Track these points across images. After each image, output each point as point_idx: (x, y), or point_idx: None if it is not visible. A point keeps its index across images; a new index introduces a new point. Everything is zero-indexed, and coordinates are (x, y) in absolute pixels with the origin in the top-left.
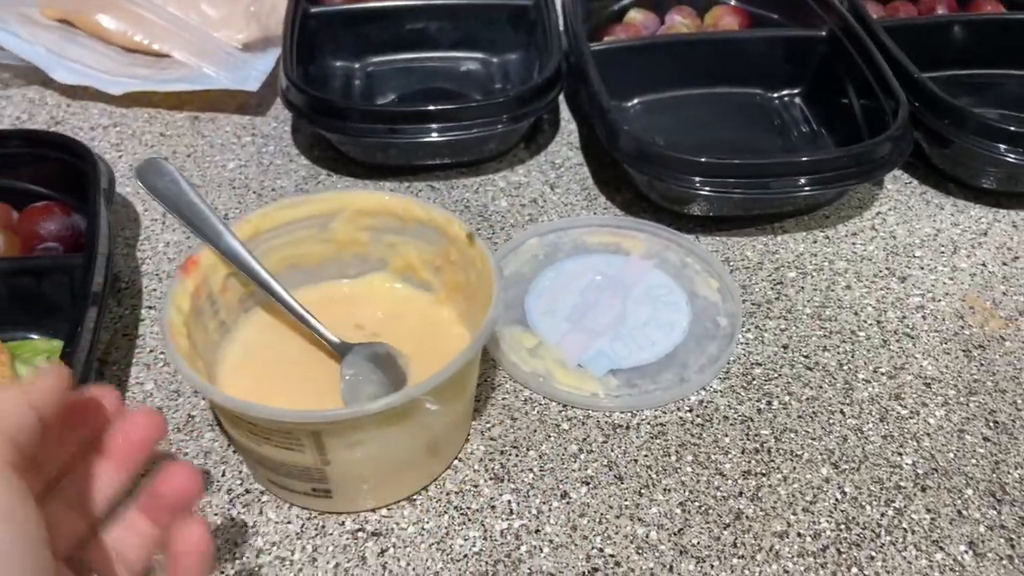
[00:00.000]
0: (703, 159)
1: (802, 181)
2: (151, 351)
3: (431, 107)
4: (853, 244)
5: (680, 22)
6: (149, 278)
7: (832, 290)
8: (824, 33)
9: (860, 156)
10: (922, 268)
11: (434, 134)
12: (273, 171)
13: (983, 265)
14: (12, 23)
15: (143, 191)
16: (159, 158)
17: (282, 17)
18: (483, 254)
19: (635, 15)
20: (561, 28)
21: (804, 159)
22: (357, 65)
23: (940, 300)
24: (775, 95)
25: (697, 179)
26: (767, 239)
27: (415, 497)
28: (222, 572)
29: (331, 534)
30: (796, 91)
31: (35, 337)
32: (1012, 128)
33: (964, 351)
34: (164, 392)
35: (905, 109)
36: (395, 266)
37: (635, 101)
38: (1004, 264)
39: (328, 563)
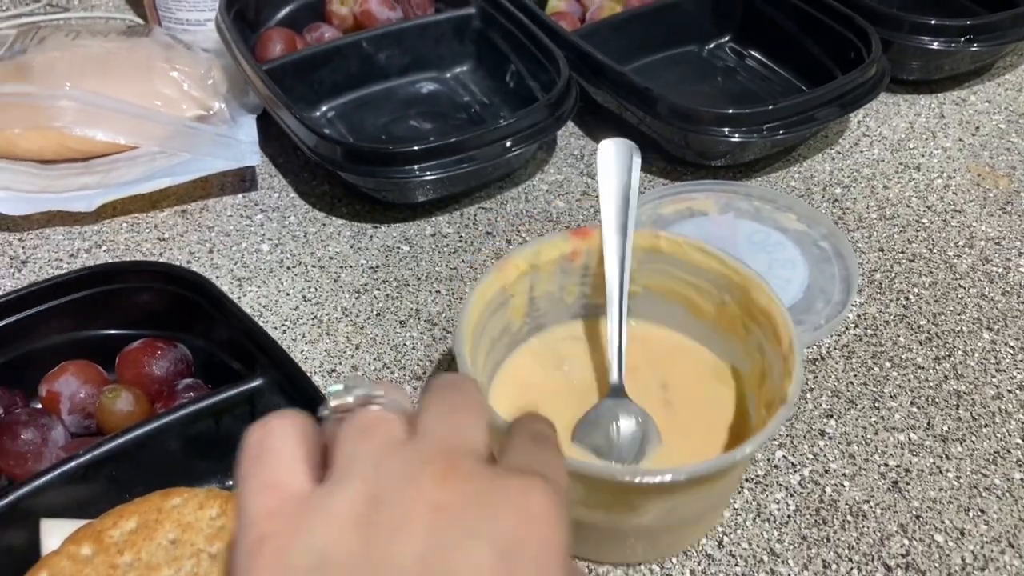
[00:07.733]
0: (731, 111)
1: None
2: None
3: (477, 132)
4: (862, 152)
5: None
6: None
7: (876, 191)
8: None
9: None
10: (924, 156)
11: (479, 160)
12: (315, 240)
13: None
14: None
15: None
16: (626, 141)
17: (229, 85)
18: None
19: (557, 3)
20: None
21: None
22: (318, 113)
23: (954, 177)
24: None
25: (726, 129)
26: (791, 169)
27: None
28: None
29: None
30: (725, 39)
31: None
32: None
33: (1001, 209)
34: None
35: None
36: (754, 374)
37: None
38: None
39: None
